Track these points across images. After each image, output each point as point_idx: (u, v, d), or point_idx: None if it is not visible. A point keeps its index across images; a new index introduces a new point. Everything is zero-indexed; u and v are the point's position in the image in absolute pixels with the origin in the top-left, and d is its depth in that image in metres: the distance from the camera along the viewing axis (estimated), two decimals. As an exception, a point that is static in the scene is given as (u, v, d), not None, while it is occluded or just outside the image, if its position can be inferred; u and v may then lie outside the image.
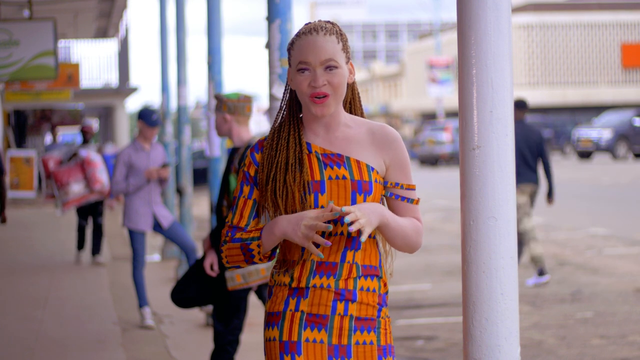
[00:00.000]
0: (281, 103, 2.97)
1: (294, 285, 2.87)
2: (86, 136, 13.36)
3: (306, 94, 2.84)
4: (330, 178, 2.85)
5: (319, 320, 2.84)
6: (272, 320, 2.90)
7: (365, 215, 2.75)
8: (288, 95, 2.96)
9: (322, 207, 2.83)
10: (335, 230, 2.84)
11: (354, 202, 2.84)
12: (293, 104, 2.94)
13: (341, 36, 2.89)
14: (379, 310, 2.88)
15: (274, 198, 2.87)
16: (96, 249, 12.99)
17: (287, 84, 2.96)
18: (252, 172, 2.93)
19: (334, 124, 2.91)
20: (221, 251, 2.94)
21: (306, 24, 2.91)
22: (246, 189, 2.93)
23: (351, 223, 2.72)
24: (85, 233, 13.21)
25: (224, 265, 2.91)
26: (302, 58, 2.84)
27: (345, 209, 2.73)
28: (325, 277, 2.84)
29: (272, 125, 2.99)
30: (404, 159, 2.93)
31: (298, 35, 2.89)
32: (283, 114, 2.96)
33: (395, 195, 2.93)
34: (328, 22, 2.91)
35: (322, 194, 2.84)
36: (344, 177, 2.84)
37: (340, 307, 2.84)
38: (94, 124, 13.86)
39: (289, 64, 2.91)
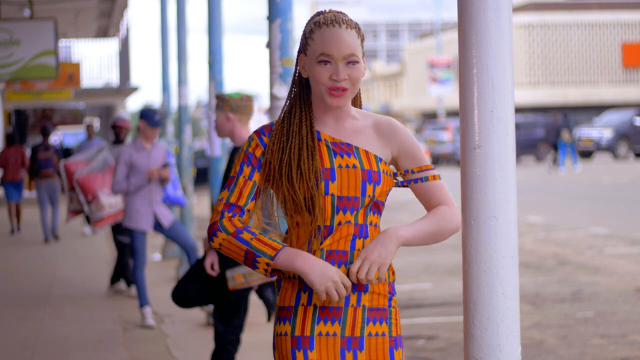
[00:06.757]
0: (291, 89, 2.94)
1: None
2: (120, 134, 10.83)
3: (325, 85, 2.83)
4: (340, 166, 2.84)
5: (332, 313, 2.82)
6: (283, 314, 2.86)
7: (372, 260, 2.75)
8: (298, 81, 2.93)
9: (332, 194, 2.82)
10: (343, 218, 2.84)
11: (364, 190, 2.83)
12: (303, 92, 2.92)
13: (359, 30, 2.88)
14: (390, 300, 2.88)
15: (289, 184, 2.83)
16: (118, 275, 10.51)
17: (296, 70, 2.93)
18: (257, 154, 2.88)
19: (343, 115, 2.91)
20: (214, 234, 2.84)
21: (322, 13, 2.87)
22: (247, 170, 2.88)
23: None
24: (127, 253, 10.44)
25: (220, 254, 2.84)
26: (325, 50, 2.82)
27: (354, 267, 2.75)
28: (336, 265, 2.82)
29: (281, 109, 2.95)
30: (411, 144, 2.92)
31: (318, 24, 2.85)
32: (291, 100, 2.93)
33: (414, 180, 2.92)
34: (342, 12, 2.89)
35: (333, 181, 2.83)
36: (354, 166, 2.84)
37: (353, 298, 2.83)
38: (126, 117, 11.22)
39: (304, 52, 2.88)
